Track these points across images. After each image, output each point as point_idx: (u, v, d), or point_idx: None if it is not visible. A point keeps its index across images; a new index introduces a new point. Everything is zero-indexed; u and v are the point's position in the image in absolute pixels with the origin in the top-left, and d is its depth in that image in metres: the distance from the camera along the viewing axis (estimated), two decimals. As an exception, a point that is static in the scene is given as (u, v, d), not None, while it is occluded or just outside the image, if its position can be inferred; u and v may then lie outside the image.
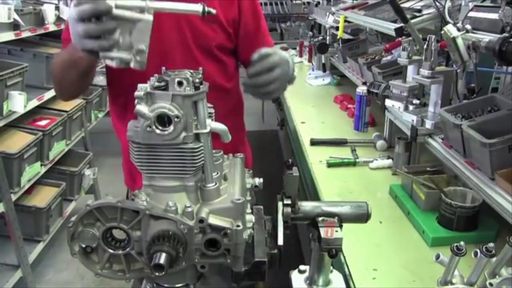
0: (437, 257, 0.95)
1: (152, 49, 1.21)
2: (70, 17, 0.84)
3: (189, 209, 0.74)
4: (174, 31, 1.26)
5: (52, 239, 2.73)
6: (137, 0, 0.78)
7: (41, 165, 2.58)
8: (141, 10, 0.77)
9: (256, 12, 1.40)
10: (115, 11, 0.77)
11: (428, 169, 1.57)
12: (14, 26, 2.39)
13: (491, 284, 0.85)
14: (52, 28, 2.85)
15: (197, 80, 0.74)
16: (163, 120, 0.72)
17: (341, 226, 0.89)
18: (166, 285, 0.81)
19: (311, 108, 2.63)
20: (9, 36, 2.37)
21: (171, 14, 1.13)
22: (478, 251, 0.85)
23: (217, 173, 0.80)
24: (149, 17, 0.77)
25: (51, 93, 2.77)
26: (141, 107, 0.71)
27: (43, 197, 2.60)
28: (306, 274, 1.01)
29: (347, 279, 1.14)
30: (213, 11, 0.82)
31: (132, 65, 0.78)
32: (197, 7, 0.81)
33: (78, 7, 0.81)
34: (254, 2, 1.40)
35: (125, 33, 0.80)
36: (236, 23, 1.34)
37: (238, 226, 0.75)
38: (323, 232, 0.86)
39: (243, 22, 1.36)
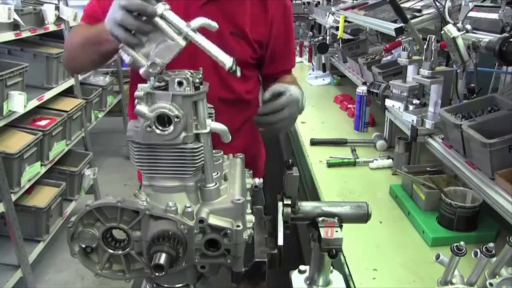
0: (437, 257, 0.95)
1: (184, 53, 1.22)
2: (116, 1, 0.84)
3: (189, 209, 0.74)
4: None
5: (52, 239, 2.73)
6: (182, 23, 0.78)
7: (41, 165, 2.57)
8: (179, 32, 0.77)
9: (288, 36, 1.40)
10: (157, 20, 0.78)
11: (428, 169, 1.58)
12: (14, 26, 2.39)
13: (491, 284, 0.85)
14: (52, 28, 2.84)
15: (197, 80, 0.74)
16: (163, 120, 0.72)
17: (341, 226, 0.89)
18: (166, 285, 0.81)
19: (311, 108, 2.62)
20: (9, 36, 2.36)
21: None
22: (478, 251, 0.85)
23: (217, 173, 0.80)
24: (182, 42, 0.77)
25: (51, 93, 2.78)
26: (141, 107, 0.72)
27: (43, 197, 2.59)
28: (306, 274, 1.01)
29: (347, 279, 1.14)
30: (238, 73, 0.81)
31: (141, 71, 0.78)
32: (227, 61, 0.80)
33: None
34: (289, 26, 1.39)
35: (153, 41, 0.80)
36: (264, 43, 1.34)
37: (238, 226, 0.75)
38: (323, 232, 0.86)
39: (272, 44, 1.35)
